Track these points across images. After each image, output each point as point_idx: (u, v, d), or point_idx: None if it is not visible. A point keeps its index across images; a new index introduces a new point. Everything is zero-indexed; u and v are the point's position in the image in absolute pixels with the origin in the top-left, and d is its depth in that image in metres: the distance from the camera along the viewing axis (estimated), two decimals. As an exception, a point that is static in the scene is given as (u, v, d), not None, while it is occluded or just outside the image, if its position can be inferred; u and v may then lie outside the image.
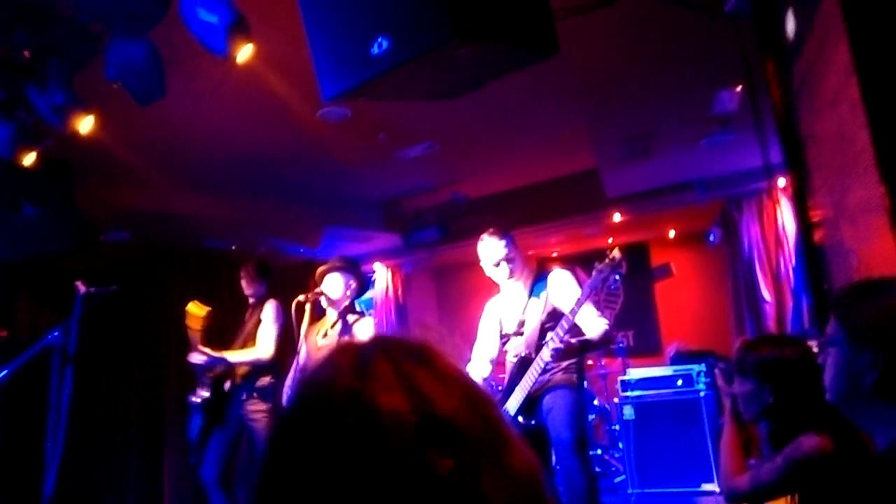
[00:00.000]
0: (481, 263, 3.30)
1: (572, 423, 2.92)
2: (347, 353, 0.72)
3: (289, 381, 3.78)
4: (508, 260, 3.22)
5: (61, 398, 3.24)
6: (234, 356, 4.17)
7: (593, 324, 3.08)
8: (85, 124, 3.10)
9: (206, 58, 3.15)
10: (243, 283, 4.47)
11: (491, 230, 3.29)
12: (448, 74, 2.11)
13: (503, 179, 5.81)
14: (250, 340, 4.27)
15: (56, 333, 3.21)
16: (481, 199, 5.92)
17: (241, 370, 4.20)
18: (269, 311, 4.30)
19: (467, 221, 5.82)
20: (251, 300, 4.46)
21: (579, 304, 2.93)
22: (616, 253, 2.98)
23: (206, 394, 4.16)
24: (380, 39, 1.95)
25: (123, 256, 5.50)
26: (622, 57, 3.57)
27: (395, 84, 2.08)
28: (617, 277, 2.99)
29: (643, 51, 3.53)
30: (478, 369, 3.38)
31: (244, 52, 2.63)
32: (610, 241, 6.57)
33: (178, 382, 5.47)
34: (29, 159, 3.48)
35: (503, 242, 3.23)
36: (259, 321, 4.30)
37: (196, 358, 4.14)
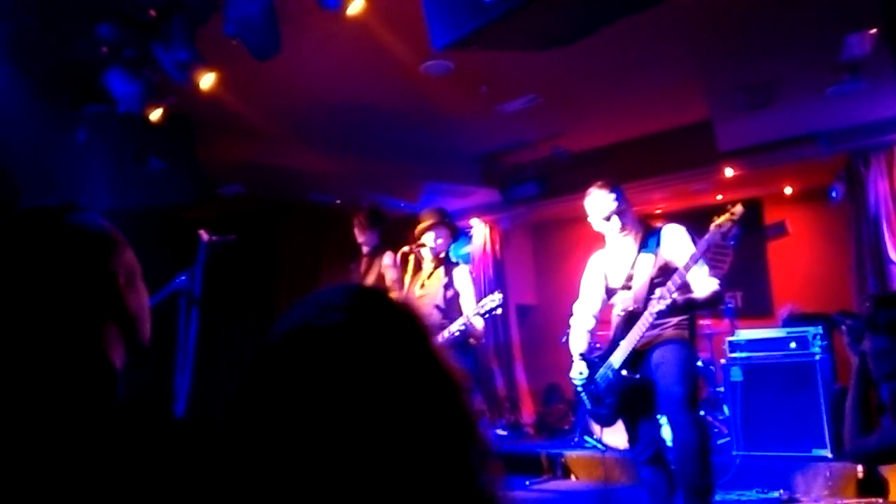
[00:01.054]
0: (589, 218, 3.22)
1: (683, 378, 2.86)
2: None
3: None
4: (619, 213, 3.11)
5: (188, 337, 3.52)
6: None
7: (704, 283, 2.99)
8: (206, 80, 3.26)
9: (316, 14, 3.23)
10: (356, 231, 4.54)
11: (599, 183, 3.16)
12: (561, 20, 2.06)
13: (606, 133, 5.65)
14: None
15: (183, 278, 3.47)
16: (583, 154, 5.79)
17: None
18: (390, 265, 4.35)
19: (567, 177, 5.72)
20: (365, 249, 4.53)
21: (694, 259, 2.83)
22: (738, 208, 2.85)
23: None
24: (493, -15, 1.92)
25: (237, 208, 5.80)
26: (743, -2, 3.35)
27: (508, 31, 2.06)
28: (735, 234, 2.87)
29: (767, -9, 3.30)
30: (581, 323, 3.35)
31: (355, 5, 2.67)
32: (719, 197, 6.28)
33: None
34: (155, 115, 3.70)
35: (613, 195, 3.11)
36: (380, 276, 4.38)
37: None
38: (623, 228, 3.14)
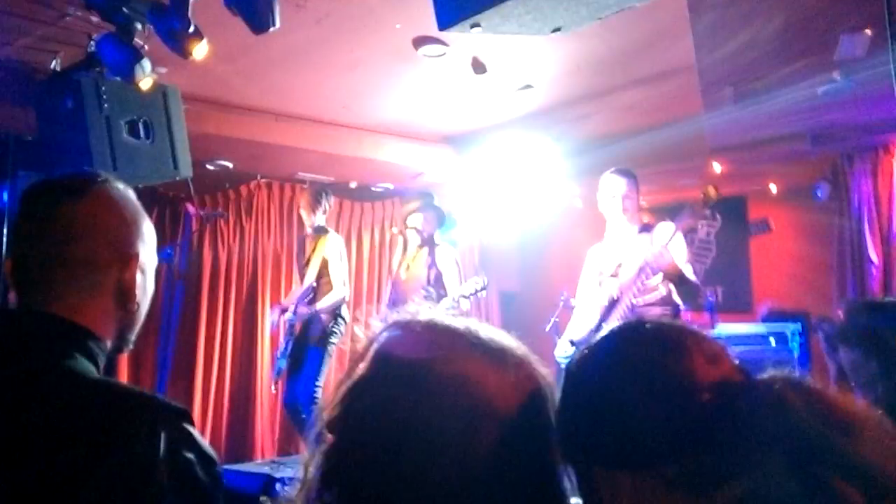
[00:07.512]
0: (598, 194, 3.44)
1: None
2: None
3: (382, 309, 3.93)
4: (626, 198, 3.36)
5: (172, 310, 3.49)
6: (321, 306, 4.22)
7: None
8: (199, 50, 3.20)
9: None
10: (304, 213, 4.47)
11: (615, 168, 3.49)
12: (568, 5, 2.05)
13: (595, 125, 5.65)
14: (325, 277, 4.29)
15: (168, 251, 3.44)
16: (571, 145, 5.78)
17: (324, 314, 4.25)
18: (336, 247, 4.32)
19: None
20: (310, 230, 4.45)
21: (672, 234, 2.97)
22: (711, 190, 3.01)
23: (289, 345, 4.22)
24: (500, -34, 1.90)
25: (226, 184, 5.73)
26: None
27: (513, 14, 2.04)
28: (707, 213, 3.02)
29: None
30: (586, 318, 3.41)
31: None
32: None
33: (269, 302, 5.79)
34: (145, 84, 3.63)
35: (625, 180, 3.40)
36: (325, 259, 4.31)
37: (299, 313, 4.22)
38: (625, 211, 3.35)
